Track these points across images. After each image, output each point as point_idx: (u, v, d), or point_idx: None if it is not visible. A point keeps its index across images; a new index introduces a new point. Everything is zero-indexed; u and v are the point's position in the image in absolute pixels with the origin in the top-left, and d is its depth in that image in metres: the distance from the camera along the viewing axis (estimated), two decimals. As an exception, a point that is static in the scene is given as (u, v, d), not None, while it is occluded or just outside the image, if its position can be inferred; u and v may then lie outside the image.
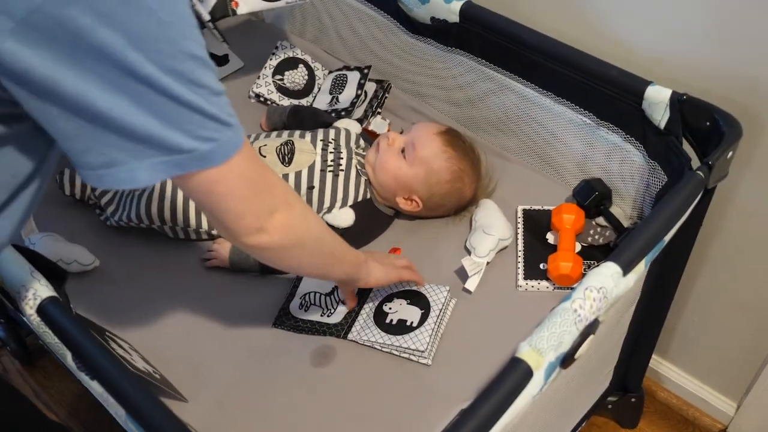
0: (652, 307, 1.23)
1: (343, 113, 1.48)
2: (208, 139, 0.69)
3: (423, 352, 1.11)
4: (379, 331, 1.15)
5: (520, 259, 1.25)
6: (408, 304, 1.17)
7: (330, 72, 1.62)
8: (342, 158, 1.30)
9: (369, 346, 1.15)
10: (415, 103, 1.54)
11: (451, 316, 1.18)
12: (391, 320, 1.16)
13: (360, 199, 1.29)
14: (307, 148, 1.29)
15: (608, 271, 0.87)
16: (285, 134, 1.34)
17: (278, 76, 1.59)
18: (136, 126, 0.65)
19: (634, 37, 1.21)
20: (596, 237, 1.25)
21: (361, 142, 1.37)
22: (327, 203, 1.27)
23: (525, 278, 1.22)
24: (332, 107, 1.51)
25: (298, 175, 1.26)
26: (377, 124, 1.48)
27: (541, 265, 1.23)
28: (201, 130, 0.68)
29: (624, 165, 1.25)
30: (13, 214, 0.76)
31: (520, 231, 1.29)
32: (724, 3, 1.08)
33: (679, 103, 1.08)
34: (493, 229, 1.25)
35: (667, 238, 0.96)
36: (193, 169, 0.70)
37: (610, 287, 0.86)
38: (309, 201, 1.26)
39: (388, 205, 1.33)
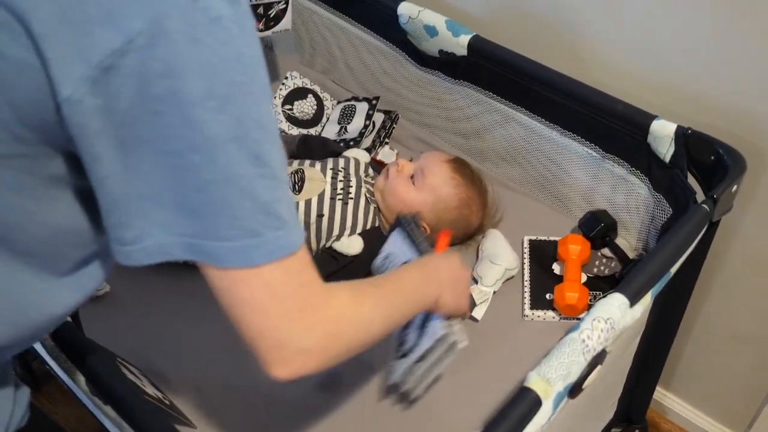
0: (656, 339, 1.24)
1: (351, 143, 1.50)
2: (252, 233, 0.57)
3: (394, 386, 1.05)
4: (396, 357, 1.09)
5: (527, 289, 1.26)
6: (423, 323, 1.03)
7: (338, 102, 1.64)
8: (351, 186, 1.32)
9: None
10: (422, 133, 1.56)
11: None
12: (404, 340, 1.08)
13: (368, 226, 1.31)
14: (318, 177, 1.31)
15: (615, 302, 0.88)
16: (295, 163, 1.36)
17: (288, 106, 1.61)
18: (172, 208, 0.56)
19: (640, 71, 1.23)
20: (602, 268, 1.27)
21: (370, 170, 1.39)
22: (336, 231, 1.28)
23: (531, 308, 1.23)
24: (341, 137, 1.53)
25: (308, 203, 1.28)
26: (385, 154, 1.50)
27: (548, 295, 1.24)
28: (247, 219, 0.57)
29: (629, 197, 1.26)
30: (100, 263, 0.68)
31: (527, 261, 1.30)
32: (726, 39, 1.10)
33: (684, 137, 1.10)
34: (500, 258, 1.27)
35: (673, 270, 0.98)
36: (226, 265, 0.59)
37: (618, 318, 0.87)
38: (318, 229, 1.28)
39: (395, 234, 1.34)
